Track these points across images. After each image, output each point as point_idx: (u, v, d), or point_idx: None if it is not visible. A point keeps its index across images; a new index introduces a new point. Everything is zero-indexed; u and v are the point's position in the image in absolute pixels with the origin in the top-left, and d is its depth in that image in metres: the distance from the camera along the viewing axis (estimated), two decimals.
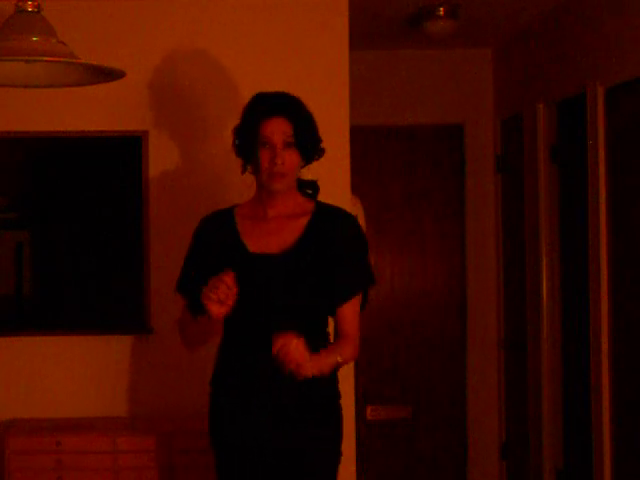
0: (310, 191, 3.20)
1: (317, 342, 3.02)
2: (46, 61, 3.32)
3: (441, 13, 5.33)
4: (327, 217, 3.13)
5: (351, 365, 4.34)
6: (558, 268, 5.48)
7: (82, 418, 4.46)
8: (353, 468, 4.46)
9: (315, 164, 3.34)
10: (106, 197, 4.54)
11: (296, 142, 3.03)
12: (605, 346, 4.69)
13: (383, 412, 6.33)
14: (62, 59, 3.25)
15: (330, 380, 3.11)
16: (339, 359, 3.02)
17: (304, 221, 3.11)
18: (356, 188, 4.86)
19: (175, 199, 4.49)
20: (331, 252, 3.06)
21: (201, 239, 3.18)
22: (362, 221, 5.14)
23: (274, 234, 3.09)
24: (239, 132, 3.12)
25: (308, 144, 3.08)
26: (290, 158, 3.04)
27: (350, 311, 3.11)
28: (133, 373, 4.49)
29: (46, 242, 4.54)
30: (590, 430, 4.84)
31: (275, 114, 3.03)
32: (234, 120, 4.41)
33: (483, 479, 6.35)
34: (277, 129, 3.02)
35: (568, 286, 5.42)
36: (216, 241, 3.13)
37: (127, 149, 4.50)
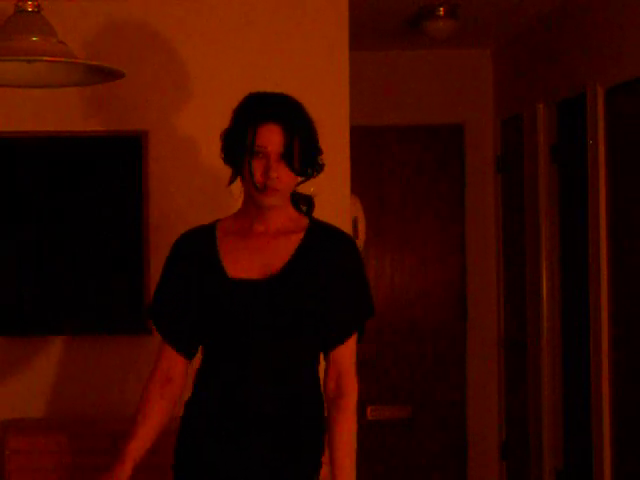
0: (304, 207, 2.84)
1: (303, 377, 2.75)
2: (46, 61, 3.32)
3: (441, 13, 5.33)
4: (322, 237, 2.76)
5: None
6: (558, 268, 5.48)
7: (82, 418, 4.46)
8: None
9: None
10: (106, 197, 4.54)
11: (293, 156, 2.67)
12: (605, 346, 4.69)
13: (383, 412, 6.33)
14: (62, 59, 3.25)
15: (318, 415, 2.80)
16: (352, 453, 2.80)
17: (295, 240, 2.73)
18: (356, 188, 4.86)
19: (175, 199, 4.48)
20: (326, 282, 2.70)
21: (177, 258, 2.84)
22: (362, 221, 5.15)
23: (258, 254, 2.71)
24: (228, 136, 2.75)
25: (306, 157, 2.71)
26: (286, 171, 2.67)
27: (345, 354, 2.75)
28: (132, 374, 4.49)
29: (46, 242, 4.54)
30: (590, 430, 4.84)
31: (271, 120, 2.66)
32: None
33: (483, 479, 6.35)
34: (273, 139, 2.65)
35: (568, 286, 5.42)
36: (193, 261, 2.78)
37: (127, 149, 4.49)
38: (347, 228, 4.43)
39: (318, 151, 2.77)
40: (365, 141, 6.31)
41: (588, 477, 4.88)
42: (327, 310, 2.70)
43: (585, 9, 4.94)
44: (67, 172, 4.54)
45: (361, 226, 5.12)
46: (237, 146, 2.69)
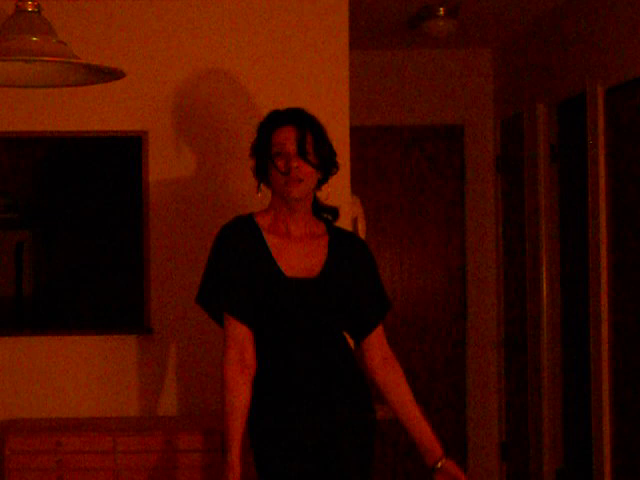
0: (330, 217, 3.19)
1: (342, 351, 3.15)
2: (46, 61, 3.32)
3: (441, 13, 5.33)
4: (344, 240, 3.17)
5: None
6: (558, 268, 5.48)
7: (82, 418, 4.46)
8: None
9: None
10: (106, 197, 4.54)
11: (309, 152, 3.02)
12: (605, 346, 4.69)
13: (383, 412, 6.32)
14: (62, 59, 3.24)
15: (370, 403, 3.31)
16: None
17: (324, 242, 3.12)
18: (356, 188, 4.86)
19: (175, 199, 4.49)
20: (355, 277, 3.12)
21: (229, 249, 3.09)
22: (362, 221, 5.14)
23: (301, 255, 3.09)
24: (255, 148, 3.12)
25: (320, 154, 3.05)
26: (305, 164, 3.01)
27: (380, 334, 3.26)
28: (133, 373, 4.49)
29: (46, 242, 4.54)
30: (590, 430, 4.84)
31: (286, 123, 3.03)
32: (233, 119, 4.42)
33: (483, 479, 6.35)
34: (289, 136, 3.01)
35: (568, 286, 5.42)
36: (247, 252, 3.07)
37: (127, 149, 4.49)
38: (347, 228, 4.43)
39: (332, 151, 3.11)
40: (365, 141, 6.31)
41: (588, 477, 4.88)
42: (361, 300, 3.13)
43: (585, 9, 4.94)
44: (67, 172, 4.54)
45: (361, 226, 5.12)
46: (261, 153, 3.07)
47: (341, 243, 3.14)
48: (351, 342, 3.24)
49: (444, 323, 6.40)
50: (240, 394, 3.04)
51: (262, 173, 3.09)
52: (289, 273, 3.05)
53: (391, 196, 6.42)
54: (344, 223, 4.31)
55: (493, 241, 6.36)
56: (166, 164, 4.49)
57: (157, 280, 4.48)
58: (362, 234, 5.15)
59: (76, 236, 4.54)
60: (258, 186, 3.12)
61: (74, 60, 3.28)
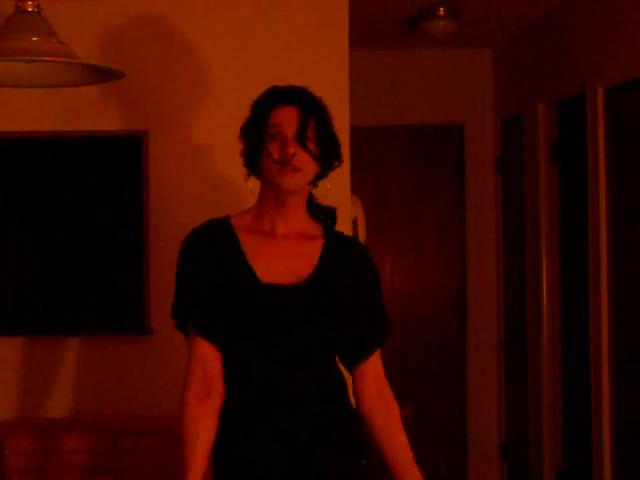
0: (327, 219, 2.75)
1: (330, 377, 2.71)
2: (46, 61, 3.33)
3: (441, 13, 5.34)
4: (343, 246, 2.71)
5: None
6: (558, 268, 5.48)
7: (82, 418, 4.46)
8: None
9: None
10: (106, 197, 4.54)
11: (309, 138, 2.60)
12: (605, 346, 4.69)
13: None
14: (62, 59, 3.25)
15: (347, 406, 2.77)
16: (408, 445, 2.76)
17: (318, 246, 2.67)
18: (356, 188, 4.86)
19: (175, 199, 4.49)
20: (351, 290, 2.65)
21: (196, 255, 2.68)
22: (362, 222, 5.14)
23: (285, 258, 2.63)
24: (245, 128, 2.68)
25: (322, 143, 2.62)
26: (303, 152, 2.57)
27: (376, 362, 2.77)
28: (133, 373, 4.49)
29: (46, 242, 4.54)
30: (590, 430, 4.84)
31: (287, 102, 2.62)
32: (233, 119, 4.41)
33: (483, 479, 6.35)
34: (289, 118, 2.59)
35: (568, 286, 5.42)
36: (216, 259, 2.64)
37: (127, 149, 4.49)
38: (347, 228, 4.43)
39: (336, 141, 2.68)
40: (365, 141, 6.31)
41: (588, 477, 4.88)
42: (355, 319, 2.66)
43: (585, 9, 4.94)
44: (67, 172, 4.54)
45: (361, 226, 5.12)
46: (254, 135, 2.62)
47: (339, 249, 2.68)
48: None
49: (444, 323, 6.41)
50: (201, 428, 2.61)
51: (252, 159, 2.64)
52: (266, 279, 2.59)
53: (391, 196, 6.42)
54: (343, 223, 4.31)
55: (493, 241, 6.36)
56: (166, 164, 4.49)
57: (157, 280, 4.47)
58: (362, 234, 5.15)
59: (76, 236, 4.54)
60: (248, 174, 2.68)
61: (74, 60, 3.28)
